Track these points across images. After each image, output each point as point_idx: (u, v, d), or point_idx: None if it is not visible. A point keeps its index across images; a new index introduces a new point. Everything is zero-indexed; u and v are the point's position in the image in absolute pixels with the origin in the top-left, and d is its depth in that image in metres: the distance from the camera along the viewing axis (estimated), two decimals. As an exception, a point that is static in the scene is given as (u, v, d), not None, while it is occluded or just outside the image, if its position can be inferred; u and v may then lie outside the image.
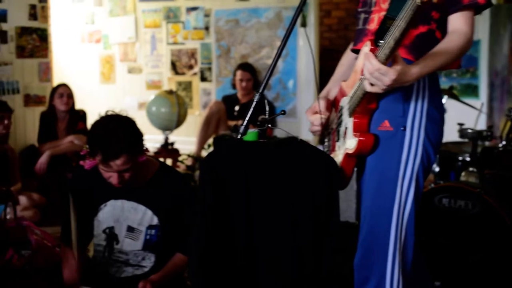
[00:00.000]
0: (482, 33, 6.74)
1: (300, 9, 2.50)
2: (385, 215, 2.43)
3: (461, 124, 4.51)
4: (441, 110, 2.51)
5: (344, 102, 2.56)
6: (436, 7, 2.33)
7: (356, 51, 2.52)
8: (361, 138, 2.42)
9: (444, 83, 6.81)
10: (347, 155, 2.51)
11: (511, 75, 6.43)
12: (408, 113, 2.41)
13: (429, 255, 2.69)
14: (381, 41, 2.21)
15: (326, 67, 7.76)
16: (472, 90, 6.83)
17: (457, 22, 2.36)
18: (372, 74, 2.18)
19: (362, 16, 2.54)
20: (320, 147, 2.76)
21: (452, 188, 3.89)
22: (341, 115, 2.60)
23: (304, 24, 7.38)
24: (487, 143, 4.97)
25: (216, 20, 8.18)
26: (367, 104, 2.43)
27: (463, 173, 4.21)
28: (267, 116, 2.63)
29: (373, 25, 2.47)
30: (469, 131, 4.32)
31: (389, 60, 2.17)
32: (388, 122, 2.42)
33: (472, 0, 2.32)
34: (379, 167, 2.45)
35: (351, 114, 2.47)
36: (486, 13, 6.66)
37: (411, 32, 2.36)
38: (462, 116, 5.38)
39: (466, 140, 4.64)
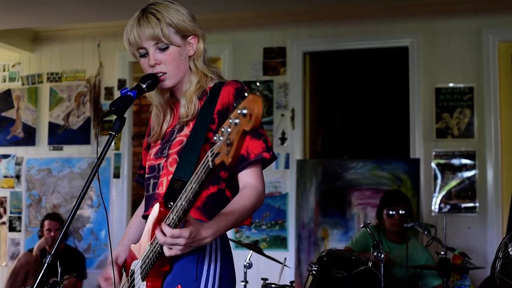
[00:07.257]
0: (290, 186, 7.03)
1: (99, 163, 2.39)
2: None
3: (264, 279, 4.59)
4: (233, 270, 2.53)
5: (136, 266, 2.53)
6: (224, 167, 2.36)
7: (147, 217, 2.48)
8: None
9: (254, 234, 6.97)
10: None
11: (317, 228, 6.71)
12: (202, 277, 2.40)
13: None
14: (171, 203, 2.24)
15: (139, 218, 7.73)
16: (281, 242, 7.03)
17: (247, 177, 2.43)
18: (166, 241, 2.19)
19: (152, 181, 2.57)
20: None
21: None
22: (133, 280, 2.55)
23: (117, 175, 7.39)
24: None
25: (28, 168, 8.00)
26: (160, 267, 2.41)
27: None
28: (58, 279, 2.58)
29: (162, 189, 2.50)
30: (273, 286, 4.40)
31: (182, 222, 2.18)
32: (181, 287, 2.39)
33: (258, 156, 2.41)
34: None
35: (144, 278, 2.44)
36: (293, 167, 6.99)
37: (202, 193, 2.41)
38: (269, 269, 5.49)
39: (269, 296, 4.69)
